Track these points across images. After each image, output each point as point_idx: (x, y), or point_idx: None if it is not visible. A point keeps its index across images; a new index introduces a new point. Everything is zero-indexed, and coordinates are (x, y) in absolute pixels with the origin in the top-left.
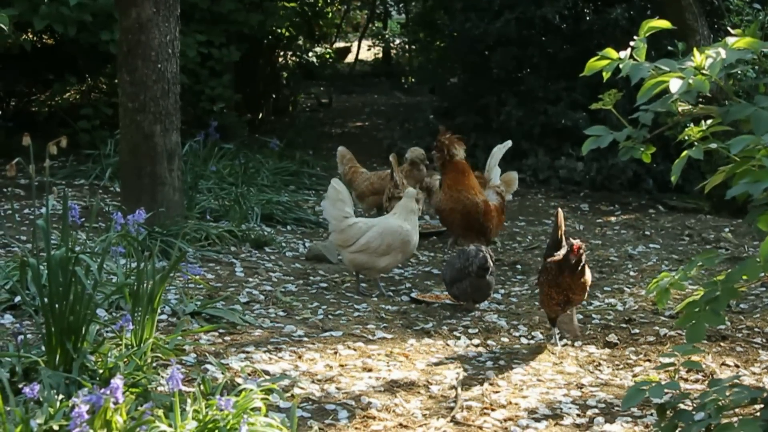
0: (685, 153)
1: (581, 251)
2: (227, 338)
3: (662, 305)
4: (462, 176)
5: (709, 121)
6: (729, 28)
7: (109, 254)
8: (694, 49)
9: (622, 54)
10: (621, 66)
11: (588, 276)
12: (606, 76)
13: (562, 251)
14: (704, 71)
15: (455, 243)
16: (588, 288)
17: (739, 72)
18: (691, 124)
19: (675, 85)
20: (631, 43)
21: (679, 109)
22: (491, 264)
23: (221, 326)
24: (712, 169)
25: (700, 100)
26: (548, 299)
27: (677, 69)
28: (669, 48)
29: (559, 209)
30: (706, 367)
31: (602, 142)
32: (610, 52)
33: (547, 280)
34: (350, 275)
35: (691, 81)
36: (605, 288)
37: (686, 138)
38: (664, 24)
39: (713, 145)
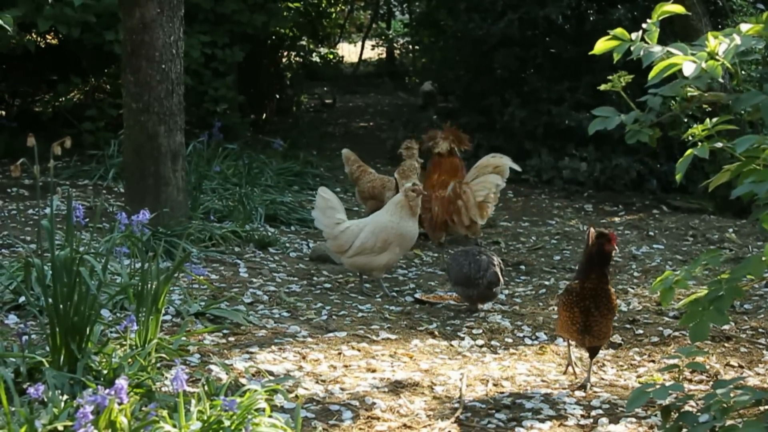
0: (690, 151)
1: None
2: (231, 339)
3: (666, 303)
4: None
5: (714, 119)
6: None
7: (113, 255)
8: (708, 33)
9: (633, 36)
10: (632, 48)
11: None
12: (617, 57)
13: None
14: (717, 56)
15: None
16: (610, 331)
17: (744, 72)
18: (695, 124)
19: (688, 68)
20: (644, 26)
21: (689, 94)
22: (501, 278)
23: (225, 327)
24: (716, 169)
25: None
26: (564, 324)
27: (689, 54)
28: (675, 43)
29: (592, 229)
30: (711, 368)
31: (609, 123)
32: (622, 32)
33: (564, 302)
34: (354, 276)
35: (704, 65)
36: None
37: (691, 137)
38: (677, 9)
39: (719, 144)
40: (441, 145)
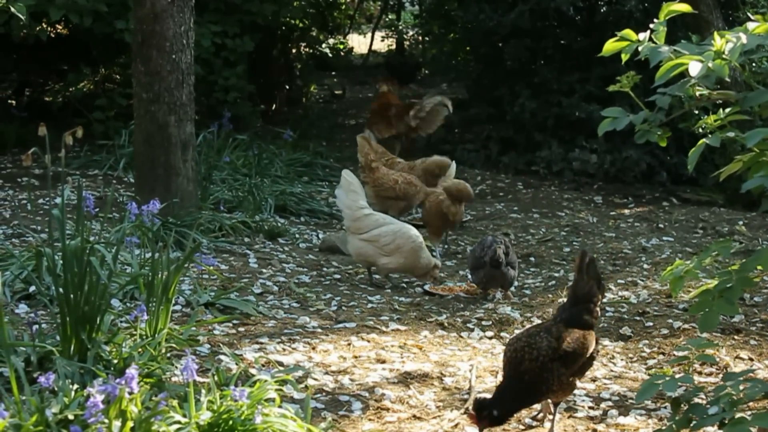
0: (701, 141)
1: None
2: (241, 329)
3: (676, 293)
4: None
5: (727, 110)
6: (749, 15)
7: (124, 244)
8: (715, 33)
9: (641, 36)
10: (640, 48)
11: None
12: (624, 57)
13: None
14: (724, 56)
15: None
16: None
17: (755, 64)
18: (706, 116)
19: (694, 68)
20: (651, 26)
21: (697, 93)
22: (502, 257)
23: (235, 317)
24: (727, 161)
25: (717, 86)
26: None
27: (696, 53)
28: (683, 41)
29: (584, 252)
30: (720, 361)
31: (618, 124)
32: (629, 33)
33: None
34: (363, 266)
35: (710, 65)
36: (619, 281)
37: (702, 128)
38: (684, 7)
39: (731, 134)
40: (383, 86)
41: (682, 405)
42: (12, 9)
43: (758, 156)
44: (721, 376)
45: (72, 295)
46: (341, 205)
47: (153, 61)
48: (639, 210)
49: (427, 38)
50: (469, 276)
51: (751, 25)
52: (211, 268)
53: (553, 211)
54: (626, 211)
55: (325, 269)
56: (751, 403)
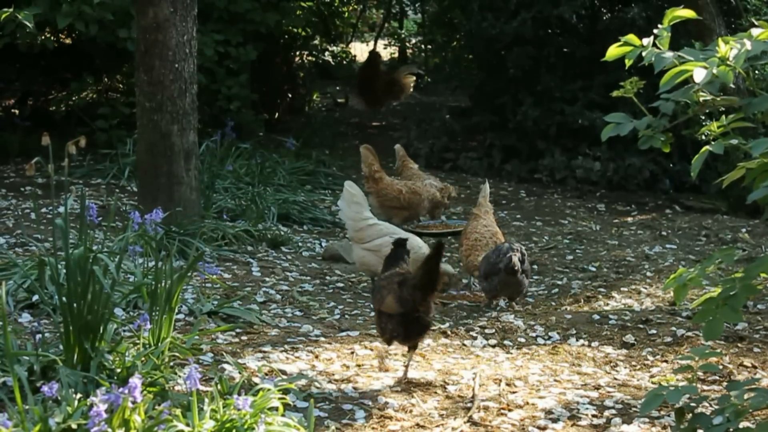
0: (705, 148)
1: None
2: (244, 338)
3: (680, 301)
4: None
5: (730, 116)
6: (753, 21)
7: (127, 253)
8: (719, 39)
9: (645, 41)
10: (644, 54)
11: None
12: (628, 63)
13: None
14: (729, 62)
15: None
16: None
17: (758, 71)
18: (710, 122)
19: (699, 74)
20: (655, 31)
21: (701, 99)
22: (518, 264)
23: (238, 326)
24: (730, 169)
25: (721, 93)
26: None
27: (701, 58)
28: (686, 48)
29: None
30: (724, 368)
31: (622, 129)
32: (633, 38)
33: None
34: (366, 275)
35: (715, 71)
36: (622, 288)
37: (705, 136)
38: (688, 13)
39: (734, 141)
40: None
41: (686, 414)
42: (18, 17)
43: (765, 166)
44: (725, 383)
45: (75, 304)
46: (344, 216)
47: (156, 70)
48: (642, 218)
49: (429, 46)
50: (474, 284)
51: (755, 31)
52: (214, 276)
53: (556, 219)
54: (629, 219)
55: (328, 278)
56: (755, 412)
